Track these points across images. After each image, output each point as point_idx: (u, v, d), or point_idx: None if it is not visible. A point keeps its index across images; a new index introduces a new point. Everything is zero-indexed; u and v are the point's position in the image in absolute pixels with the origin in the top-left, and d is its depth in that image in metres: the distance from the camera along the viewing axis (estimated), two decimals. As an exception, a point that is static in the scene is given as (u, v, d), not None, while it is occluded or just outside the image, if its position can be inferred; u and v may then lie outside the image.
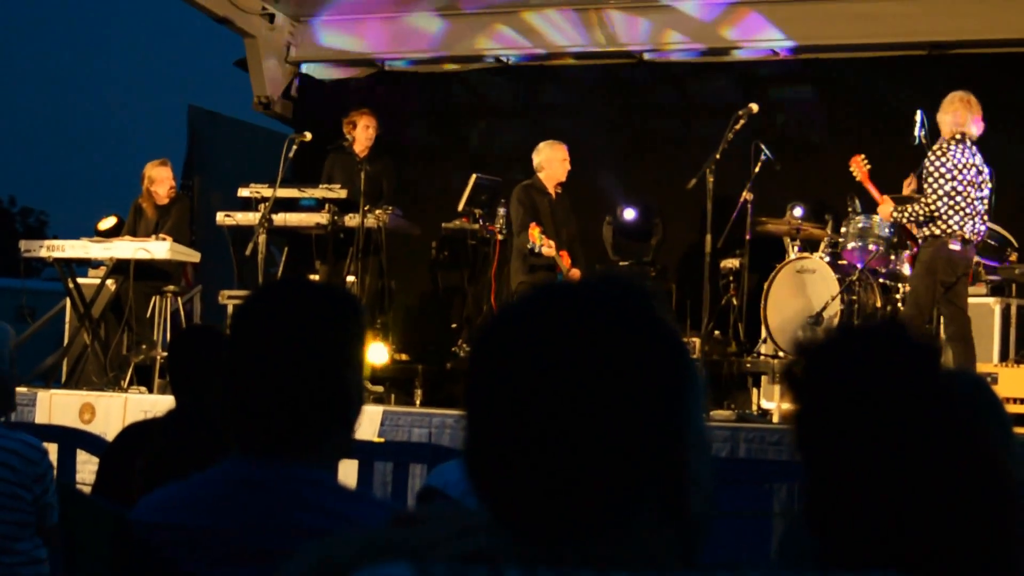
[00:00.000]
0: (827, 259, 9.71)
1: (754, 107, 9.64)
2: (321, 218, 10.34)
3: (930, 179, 8.50)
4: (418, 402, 10.07)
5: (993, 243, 9.63)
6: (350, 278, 10.37)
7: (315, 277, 10.33)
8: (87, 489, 4.75)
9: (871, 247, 9.50)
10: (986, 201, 8.67)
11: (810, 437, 1.60)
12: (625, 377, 1.37)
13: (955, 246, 8.52)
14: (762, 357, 10.02)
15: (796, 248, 10.20)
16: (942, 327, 8.75)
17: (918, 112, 9.11)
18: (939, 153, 8.50)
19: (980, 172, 8.59)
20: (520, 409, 1.36)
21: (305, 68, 13.65)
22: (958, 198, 8.45)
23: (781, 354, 9.61)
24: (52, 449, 5.31)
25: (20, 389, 6.74)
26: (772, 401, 9.59)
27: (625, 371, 1.37)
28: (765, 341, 10.03)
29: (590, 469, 1.35)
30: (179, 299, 10.96)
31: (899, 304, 9.50)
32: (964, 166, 8.49)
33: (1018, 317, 9.69)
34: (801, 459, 1.61)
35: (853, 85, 11.79)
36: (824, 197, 10.71)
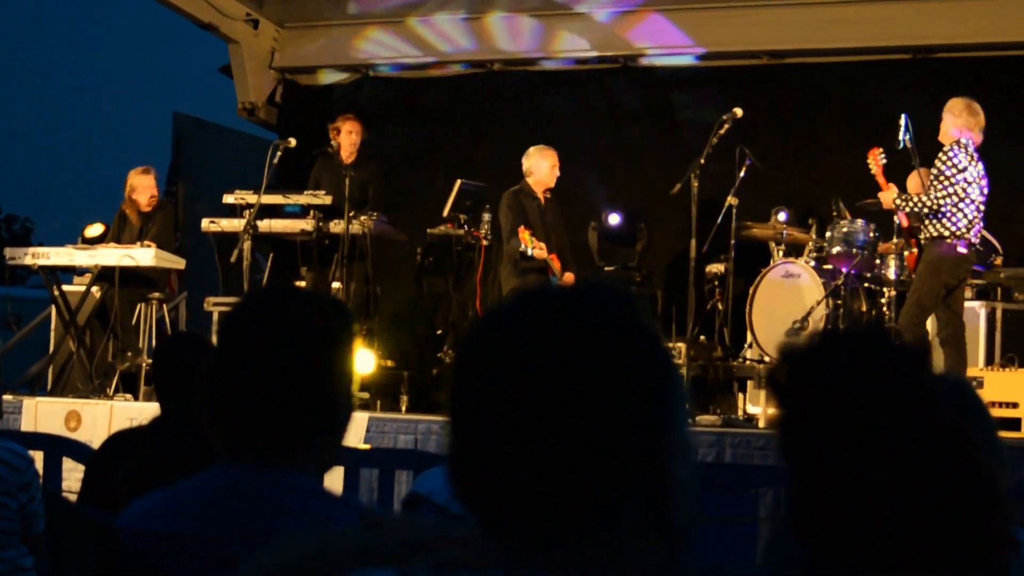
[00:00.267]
0: (812, 264, 9.72)
1: (738, 112, 9.65)
2: (306, 224, 10.32)
3: (941, 177, 8.53)
4: (404, 408, 10.05)
5: (979, 247, 9.66)
6: (335, 284, 10.36)
7: (301, 283, 10.31)
8: (73, 497, 4.74)
9: (855, 252, 9.51)
10: (983, 208, 8.70)
11: (795, 442, 1.60)
12: (609, 382, 1.37)
13: (963, 249, 8.55)
14: (748, 362, 10.04)
15: (781, 252, 10.22)
16: (935, 330, 8.77)
17: (902, 116, 9.12)
18: (950, 155, 8.54)
19: (983, 178, 8.62)
20: (504, 414, 1.36)
21: (289, 74, 13.64)
22: (965, 200, 8.49)
23: (767, 359, 9.62)
24: (38, 457, 5.31)
25: (6, 397, 6.74)
26: (758, 406, 9.59)
27: (609, 376, 1.37)
28: (751, 346, 10.03)
29: (574, 474, 1.35)
30: (164, 306, 10.94)
31: (884, 309, 9.52)
32: (971, 171, 8.52)
33: (1003, 321, 9.72)
34: (786, 464, 1.61)
35: (837, 89, 11.79)
36: (808, 202, 10.72)
